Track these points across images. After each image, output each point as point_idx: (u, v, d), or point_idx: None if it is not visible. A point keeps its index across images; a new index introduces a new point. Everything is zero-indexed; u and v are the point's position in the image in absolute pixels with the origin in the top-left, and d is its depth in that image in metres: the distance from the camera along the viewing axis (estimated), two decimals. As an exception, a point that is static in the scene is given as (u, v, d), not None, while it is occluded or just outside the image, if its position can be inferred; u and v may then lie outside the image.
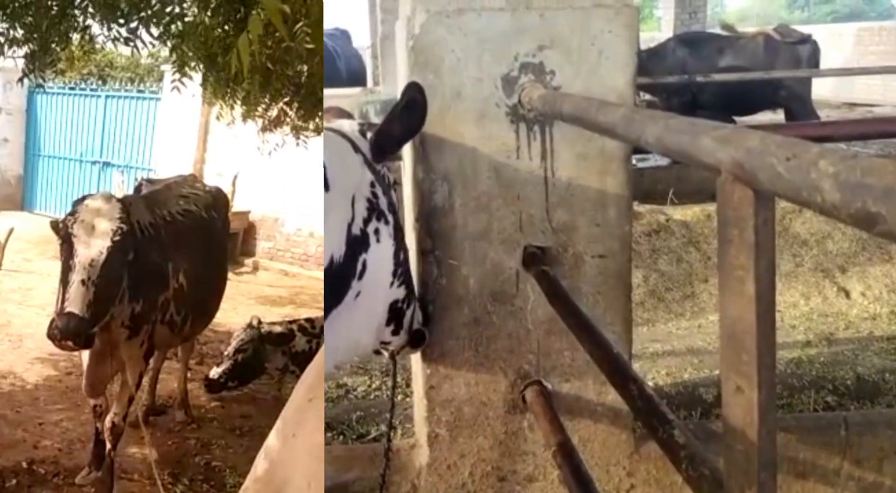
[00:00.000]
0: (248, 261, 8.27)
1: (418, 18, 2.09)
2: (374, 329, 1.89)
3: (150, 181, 3.80)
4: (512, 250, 2.24)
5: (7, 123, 10.38)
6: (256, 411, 4.05)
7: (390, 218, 1.78)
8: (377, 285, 1.79)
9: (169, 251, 3.15)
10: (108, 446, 2.96)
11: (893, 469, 2.51)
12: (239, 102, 3.32)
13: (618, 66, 2.15)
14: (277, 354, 3.29)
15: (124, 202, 2.67)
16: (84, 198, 2.67)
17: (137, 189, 3.59)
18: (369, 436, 3.02)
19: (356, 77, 10.07)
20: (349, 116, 1.89)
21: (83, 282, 2.44)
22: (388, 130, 1.74)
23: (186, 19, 2.61)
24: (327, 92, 7.27)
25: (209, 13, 2.67)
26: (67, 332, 2.37)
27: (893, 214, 0.64)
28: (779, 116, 8.70)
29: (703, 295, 4.29)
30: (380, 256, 1.76)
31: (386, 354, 2.07)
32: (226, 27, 2.58)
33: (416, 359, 2.43)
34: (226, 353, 3.28)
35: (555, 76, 2.13)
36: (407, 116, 1.72)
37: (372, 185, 1.75)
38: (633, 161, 2.34)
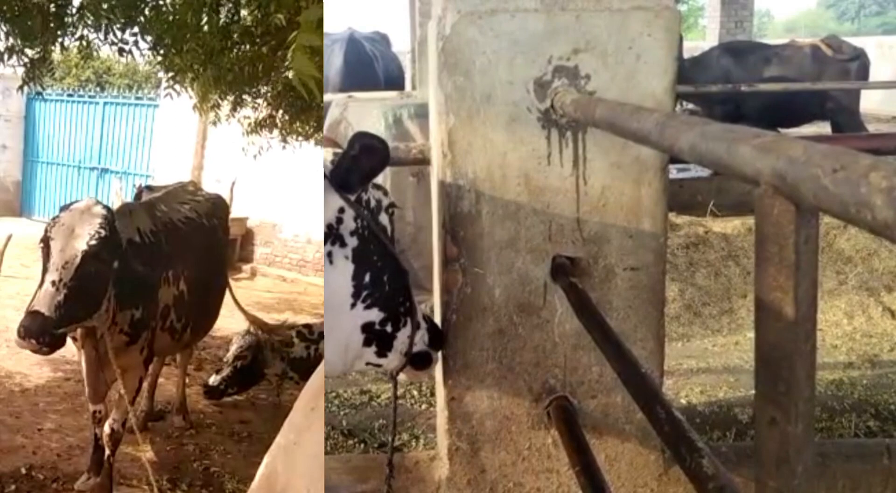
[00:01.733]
0: (246, 267, 8.26)
1: (449, 19, 2.03)
2: (344, 350, 1.86)
3: (150, 188, 3.79)
4: (540, 260, 2.16)
5: (6, 129, 10.50)
6: (255, 416, 4.03)
7: (350, 241, 1.78)
8: (335, 306, 1.80)
9: (170, 258, 3.13)
10: (108, 452, 2.93)
11: (940, 503, 2.38)
12: (227, 102, 3.35)
13: (656, 71, 2.06)
14: (276, 360, 3.26)
15: (109, 209, 2.62)
16: (71, 203, 2.63)
17: (138, 196, 3.58)
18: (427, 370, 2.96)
19: (394, 81, 10.04)
20: (335, 144, 1.90)
21: (53, 283, 2.40)
22: (346, 170, 1.76)
23: (179, 23, 2.59)
24: (365, 95, 7.26)
25: (204, 18, 2.64)
26: (31, 331, 2.33)
27: (957, 235, 0.56)
28: (825, 129, 8.48)
29: (742, 311, 4.15)
30: (332, 278, 1.77)
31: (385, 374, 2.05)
32: (215, 23, 2.56)
33: (438, 369, 2.37)
34: (225, 359, 3.24)
35: (590, 81, 2.05)
36: (365, 160, 1.74)
37: (340, 210, 1.77)
38: (674, 172, 2.26)
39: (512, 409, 2.26)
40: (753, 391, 3.12)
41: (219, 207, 3.86)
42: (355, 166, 1.75)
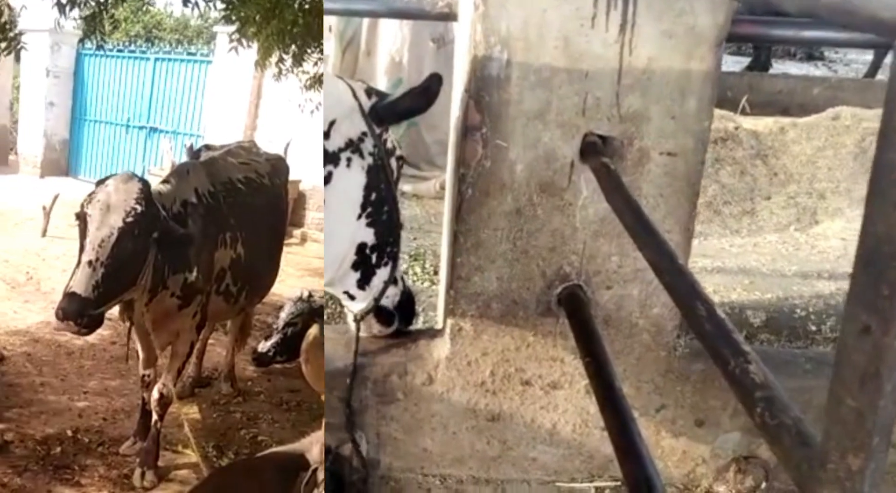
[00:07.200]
0: (297, 232, 7.86)
1: None
2: (338, 263, 1.90)
3: (208, 147, 3.64)
4: (570, 136, 1.97)
5: (54, 85, 10.01)
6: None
7: (367, 159, 1.83)
8: (341, 206, 1.84)
9: (227, 219, 3.05)
10: (155, 416, 2.91)
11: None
12: (290, 55, 3.35)
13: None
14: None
15: (146, 182, 2.58)
16: (106, 178, 2.58)
17: (196, 155, 3.45)
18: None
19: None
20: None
21: (90, 263, 2.38)
22: (395, 103, 1.84)
23: None
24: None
25: None
26: (69, 313, 2.32)
27: None
28: None
29: (764, 213, 3.98)
30: (346, 178, 1.81)
31: (350, 314, 2.09)
32: None
33: (444, 246, 2.23)
34: (274, 326, 3.18)
35: (649, -67, 1.80)
36: (417, 98, 1.82)
37: (363, 133, 1.82)
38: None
39: (521, 293, 2.14)
40: (768, 295, 2.95)
41: (279, 168, 3.71)
42: (405, 102, 1.83)
